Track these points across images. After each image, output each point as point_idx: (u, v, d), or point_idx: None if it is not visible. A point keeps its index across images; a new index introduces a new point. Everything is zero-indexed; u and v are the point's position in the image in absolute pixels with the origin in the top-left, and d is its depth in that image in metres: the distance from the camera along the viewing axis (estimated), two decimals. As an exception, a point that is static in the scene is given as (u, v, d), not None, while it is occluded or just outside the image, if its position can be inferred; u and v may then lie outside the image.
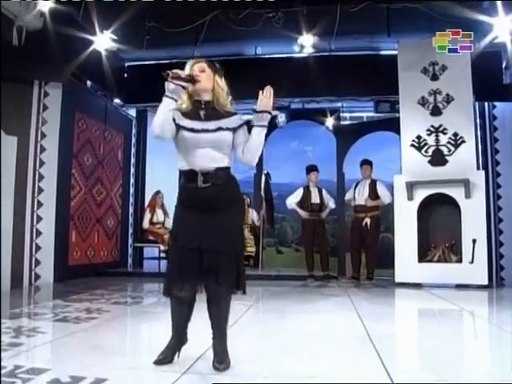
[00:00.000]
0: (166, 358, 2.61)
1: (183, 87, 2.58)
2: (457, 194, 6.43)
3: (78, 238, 7.03)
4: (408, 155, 6.83)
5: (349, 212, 8.43)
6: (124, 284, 6.61)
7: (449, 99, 6.65)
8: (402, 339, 3.76)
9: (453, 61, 6.58)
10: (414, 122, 6.82)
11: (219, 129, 2.58)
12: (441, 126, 6.69)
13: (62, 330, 3.49)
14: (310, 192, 7.44)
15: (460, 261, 6.41)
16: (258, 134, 2.62)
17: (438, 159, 6.66)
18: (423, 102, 6.78)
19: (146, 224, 7.83)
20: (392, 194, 6.96)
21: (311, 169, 7.61)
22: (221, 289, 2.55)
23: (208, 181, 2.53)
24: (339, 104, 9.49)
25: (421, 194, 6.63)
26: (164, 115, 2.54)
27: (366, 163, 7.29)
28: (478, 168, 6.80)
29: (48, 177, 6.37)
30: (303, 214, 7.36)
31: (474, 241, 6.29)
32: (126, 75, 8.16)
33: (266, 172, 8.37)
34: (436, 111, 6.71)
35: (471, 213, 6.34)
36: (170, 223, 8.02)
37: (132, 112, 8.82)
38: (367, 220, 6.94)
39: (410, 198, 6.64)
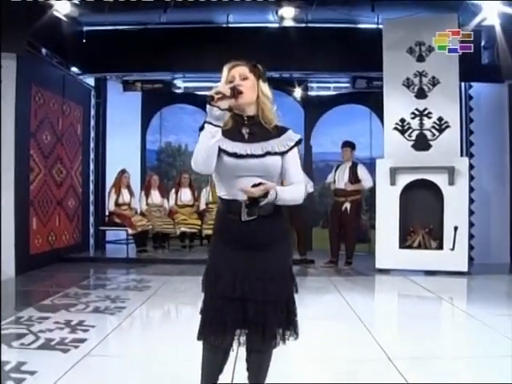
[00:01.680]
0: None
1: (230, 110, 2.09)
2: (440, 180, 6.34)
3: (39, 223, 6.44)
4: (391, 138, 6.63)
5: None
6: (94, 275, 6.18)
7: (434, 82, 6.45)
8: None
9: (440, 42, 6.34)
10: (398, 105, 6.59)
11: (267, 154, 2.12)
12: (425, 109, 6.50)
13: (54, 365, 3.08)
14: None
15: (441, 247, 6.40)
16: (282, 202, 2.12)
17: (421, 144, 6.51)
18: (408, 84, 6.54)
19: (111, 206, 7.31)
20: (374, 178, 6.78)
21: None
22: (267, 341, 2.22)
23: (253, 213, 2.10)
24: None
25: (404, 180, 6.49)
26: (209, 149, 2.03)
27: (347, 145, 7.02)
28: (462, 154, 6.70)
29: (4, 162, 5.68)
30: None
31: (456, 228, 6.27)
32: (84, 41, 7.37)
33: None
34: (421, 94, 6.50)
35: (454, 200, 6.29)
36: (136, 203, 7.67)
37: (90, 81, 8.07)
38: (347, 205, 6.75)
39: (393, 183, 6.49)
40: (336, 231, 6.89)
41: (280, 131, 2.18)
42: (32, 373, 2.92)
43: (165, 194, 7.94)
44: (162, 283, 5.76)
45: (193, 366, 2.37)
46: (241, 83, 2.11)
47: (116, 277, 6.13)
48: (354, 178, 6.77)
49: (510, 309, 4.59)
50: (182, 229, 7.68)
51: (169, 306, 4.99)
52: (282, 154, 2.16)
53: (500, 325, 4.02)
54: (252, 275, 2.12)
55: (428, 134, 6.48)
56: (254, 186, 2.04)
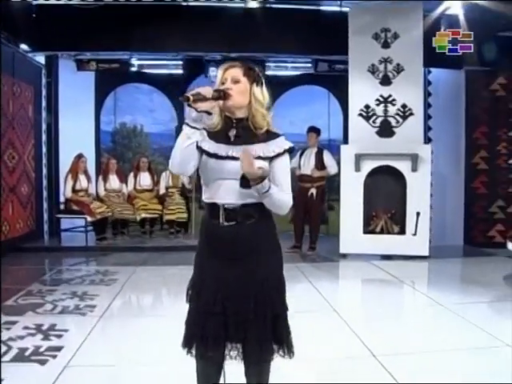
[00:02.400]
0: None
1: (209, 113, 2.00)
2: (403, 166, 6.46)
3: (-9, 214, 6.07)
4: (356, 124, 6.66)
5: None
6: (55, 268, 5.92)
7: (399, 69, 6.50)
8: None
9: (405, 29, 6.40)
10: (362, 91, 6.61)
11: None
12: (390, 96, 6.56)
13: (34, 382, 2.91)
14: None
15: (403, 232, 6.56)
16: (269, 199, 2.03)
17: (385, 130, 6.59)
18: (373, 70, 6.56)
19: (68, 192, 6.96)
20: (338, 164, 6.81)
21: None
22: (252, 356, 2.14)
23: (232, 218, 2.03)
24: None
25: (368, 166, 6.56)
26: (184, 150, 1.97)
27: (312, 130, 6.99)
28: (425, 141, 6.83)
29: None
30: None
31: (418, 213, 6.44)
32: (34, 16, 6.86)
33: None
34: (386, 80, 6.54)
35: (416, 186, 6.43)
36: (93, 189, 7.36)
37: (40, 59, 7.57)
38: (313, 191, 6.76)
39: (358, 169, 6.55)
40: (301, 216, 6.91)
41: (268, 136, 2.09)
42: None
43: (123, 178, 7.66)
44: (128, 275, 5.58)
45: (183, 369, 2.30)
46: (231, 86, 2.03)
47: (79, 269, 5.90)
48: (319, 164, 6.77)
49: (474, 295, 4.77)
50: (143, 215, 7.46)
51: (141, 302, 4.87)
52: (268, 160, 2.06)
53: (470, 313, 4.20)
54: (234, 288, 2.05)
55: (392, 121, 6.56)
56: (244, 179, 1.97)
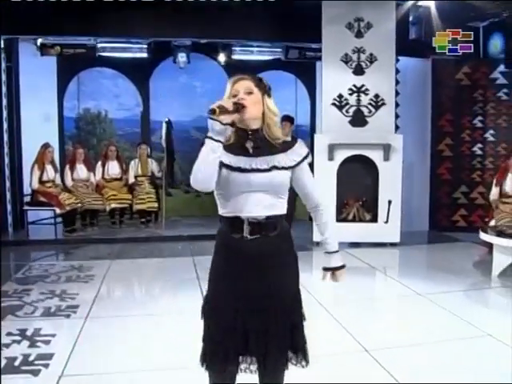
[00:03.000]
0: None
1: (232, 125, 1.96)
2: (376, 156, 6.57)
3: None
4: (329, 113, 6.69)
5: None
6: (25, 264, 5.71)
7: (372, 59, 6.55)
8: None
9: (378, 20, 6.44)
10: (336, 80, 6.63)
11: (273, 168, 2.02)
12: (363, 86, 6.62)
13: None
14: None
15: (375, 220, 6.71)
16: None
17: (358, 120, 6.66)
18: (346, 60, 6.59)
19: (35, 183, 6.70)
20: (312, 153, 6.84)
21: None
22: (269, 368, 2.18)
23: (256, 232, 2.02)
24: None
25: (341, 155, 6.63)
26: (210, 165, 1.91)
27: (287, 119, 6.94)
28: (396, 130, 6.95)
29: None
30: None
31: (390, 202, 6.60)
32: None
33: (167, 120, 7.65)
34: (359, 70, 6.59)
35: (388, 175, 6.57)
36: (58, 179, 7.12)
37: (-1, 43, 7.18)
38: (288, 179, 6.78)
39: (331, 158, 6.62)
40: None
41: (286, 146, 2.08)
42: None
43: (91, 167, 7.44)
44: (104, 270, 5.47)
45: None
46: (245, 97, 2.00)
47: (52, 264, 5.73)
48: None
49: (449, 284, 4.95)
50: (113, 205, 7.30)
51: (124, 300, 4.72)
52: (291, 169, 2.06)
53: (448, 303, 4.38)
54: (256, 302, 2.04)
55: (365, 111, 6.64)
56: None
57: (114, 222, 7.54)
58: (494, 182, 6.16)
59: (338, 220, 6.73)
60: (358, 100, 6.61)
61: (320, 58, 7.64)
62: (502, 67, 7.61)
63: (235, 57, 9.02)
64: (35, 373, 3.07)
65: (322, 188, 6.04)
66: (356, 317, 4.23)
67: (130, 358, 3.32)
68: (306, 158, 2.12)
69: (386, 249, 6.54)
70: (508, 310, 4.32)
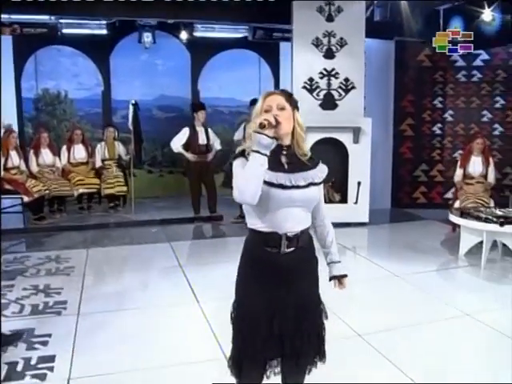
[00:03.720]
0: None
1: (276, 138, 2.02)
2: (346, 138, 6.73)
3: None
4: (300, 97, 6.58)
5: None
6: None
7: (342, 43, 6.63)
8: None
9: (349, 4, 6.49)
10: (306, 64, 6.68)
11: (310, 184, 2.10)
12: (333, 69, 6.71)
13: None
14: (197, 132, 6.91)
15: (345, 201, 6.92)
16: None
17: (328, 103, 6.78)
18: (317, 43, 6.64)
19: (-1, 171, 6.44)
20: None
21: (199, 107, 6.99)
22: (300, 371, 2.33)
23: (292, 245, 2.10)
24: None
25: (313, 138, 6.69)
26: (258, 179, 1.94)
27: (256, 102, 6.96)
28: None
29: None
30: (190, 156, 6.88)
31: (359, 183, 6.81)
32: None
33: (133, 102, 7.48)
34: (329, 54, 6.66)
35: (357, 157, 6.76)
36: (23, 165, 6.86)
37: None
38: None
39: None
40: None
41: (314, 163, 2.18)
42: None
43: (56, 152, 7.22)
44: (82, 261, 5.40)
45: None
46: (278, 113, 2.04)
47: (27, 256, 5.53)
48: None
49: (422, 264, 5.22)
50: (81, 190, 7.15)
51: (112, 293, 4.57)
52: (320, 184, 2.18)
53: (425, 283, 4.68)
54: (288, 311, 2.14)
55: (335, 94, 6.75)
56: None
57: (81, 208, 7.40)
58: (458, 164, 6.47)
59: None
60: (329, 84, 6.71)
61: (287, 39, 7.72)
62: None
63: (197, 34, 8.88)
64: (41, 377, 3.07)
65: None
66: (340, 301, 4.38)
67: (134, 355, 3.36)
68: (327, 176, 2.23)
69: (355, 228, 6.77)
70: (480, 290, 4.68)
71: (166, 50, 9.20)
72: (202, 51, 9.24)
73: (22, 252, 5.75)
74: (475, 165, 6.25)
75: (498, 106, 7.81)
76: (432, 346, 3.47)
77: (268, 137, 1.93)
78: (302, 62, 6.66)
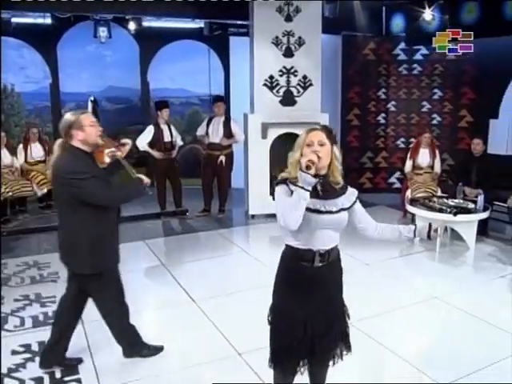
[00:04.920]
0: None
1: (316, 176, 2.34)
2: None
3: None
4: (260, 94, 7.05)
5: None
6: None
7: (300, 42, 6.95)
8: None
9: (306, 4, 6.79)
10: (267, 62, 6.96)
11: (340, 210, 2.47)
12: (292, 67, 7.03)
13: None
14: (162, 130, 6.99)
15: (305, 192, 7.33)
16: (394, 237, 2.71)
17: (288, 100, 7.11)
18: (277, 42, 6.92)
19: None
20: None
21: (163, 105, 7.06)
22: (327, 363, 2.73)
23: (324, 260, 2.48)
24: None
25: (273, 133, 7.07)
26: (302, 210, 2.30)
27: (220, 100, 7.19)
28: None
29: None
30: (157, 154, 6.97)
31: (318, 175, 7.24)
32: None
33: (92, 98, 7.43)
34: (288, 53, 6.97)
35: (316, 150, 7.16)
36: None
37: None
38: (222, 158, 7.09)
39: (264, 136, 7.04)
40: (210, 182, 7.27)
41: (344, 188, 2.55)
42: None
43: (13, 151, 7.04)
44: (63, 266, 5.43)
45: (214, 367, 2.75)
46: (319, 149, 2.38)
47: (3, 264, 5.42)
48: (228, 132, 7.07)
49: (385, 251, 5.63)
50: (45, 190, 7.03)
51: None
52: (349, 208, 2.54)
53: (393, 270, 5.24)
54: (319, 316, 2.53)
55: (294, 91, 7.10)
56: None
57: (43, 207, 7.29)
58: (408, 155, 7.08)
59: (272, 194, 7.26)
60: (288, 81, 7.04)
61: (242, 34, 7.93)
62: (402, 44, 8.48)
63: (146, 24, 8.86)
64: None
65: (255, 164, 6.59)
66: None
67: (152, 360, 3.58)
68: (358, 197, 2.60)
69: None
70: (440, 273, 5.31)
71: (115, 41, 9.08)
72: (151, 42, 9.24)
73: None
74: (423, 156, 6.89)
75: (436, 97, 8.51)
76: (413, 328, 4.02)
77: (312, 176, 2.28)
78: (263, 60, 6.92)
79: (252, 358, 3.54)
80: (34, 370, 3.46)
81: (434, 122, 8.57)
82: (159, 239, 6.45)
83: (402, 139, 8.81)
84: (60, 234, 3.31)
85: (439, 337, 3.95)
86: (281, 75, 7.02)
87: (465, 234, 5.76)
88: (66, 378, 3.37)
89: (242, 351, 3.67)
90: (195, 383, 3.36)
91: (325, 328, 2.54)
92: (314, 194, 2.39)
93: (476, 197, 5.90)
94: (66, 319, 3.48)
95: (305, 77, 7.06)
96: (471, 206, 5.71)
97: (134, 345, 3.58)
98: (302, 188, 2.28)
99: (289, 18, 6.86)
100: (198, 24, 8.75)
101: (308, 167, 2.27)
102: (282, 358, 2.56)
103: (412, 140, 8.61)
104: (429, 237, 2.71)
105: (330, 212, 2.43)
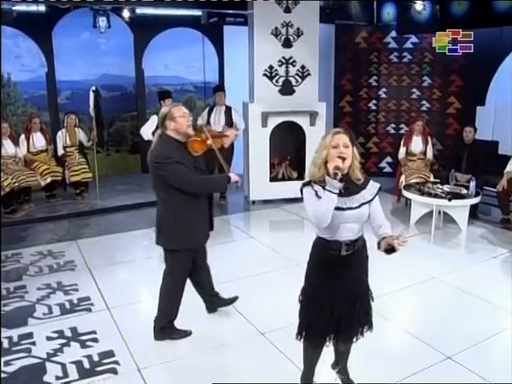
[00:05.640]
0: None
1: (342, 180, 2.63)
2: (303, 121, 7.37)
3: None
4: (260, 83, 7.25)
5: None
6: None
7: (299, 33, 7.15)
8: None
9: (304, -4, 6.99)
10: (266, 52, 7.14)
11: (361, 205, 2.75)
12: (291, 58, 7.24)
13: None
14: (166, 119, 7.14)
15: (302, 178, 7.60)
16: None
17: (287, 89, 7.34)
18: (276, 33, 7.10)
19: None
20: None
21: (166, 95, 7.21)
22: (350, 340, 3.05)
23: (350, 249, 2.79)
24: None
25: (273, 122, 7.30)
26: (330, 211, 2.61)
27: (221, 90, 7.38)
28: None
29: None
30: (161, 143, 7.14)
31: (316, 161, 7.52)
32: None
33: (94, 88, 7.52)
34: (287, 43, 7.17)
35: (314, 138, 7.38)
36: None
37: None
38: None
39: (264, 125, 7.26)
40: (212, 170, 7.47)
41: (365, 183, 2.82)
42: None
43: (16, 142, 7.13)
44: (77, 253, 5.63)
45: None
46: (344, 151, 2.67)
47: (18, 254, 5.61)
48: (230, 121, 7.28)
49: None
50: (49, 179, 7.16)
51: (126, 283, 4.99)
52: (371, 201, 2.82)
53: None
54: (346, 299, 2.87)
55: (292, 81, 7.32)
56: None
57: (48, 196, 7.42)
58: (402, 143, 7.39)
59: (272, 180, 7.54)
60: (287, 71, 7.25)
61: (237, 24, 8.10)
62: (393, 33, 8.73)
63: (139, 12, 8.90)
64: (113, 371, 3.49)
65: (256, 152, 6.85)
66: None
67: (180, 343, 3.84)
68: (379, 190, 2.86)
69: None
70: (436, 254, 5.70)
71: (109, 28, 9.10)
72: (145, 30, 9.29)
73: (10, 249, 5.73)
74: (416, 144, 7.22)
75: (425, 84, 8.81)
76: (416, 306, 4.39)
77: (339, 181, 2.59)
78: (263, 50, 7.12)
79: (274, 337, 3.85)
80: (71, 354, 3.70)
81: (424, 108, 8.89)
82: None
83: (393, 125, 9.13)
84: (156, 214, 3.69)
85: (440, 313, 4.31)
86: (280, 65, 7.23)
87: (458, 218, 6.13)
88: (105, 361, 3.61)
89: (264, 331, 3.96)
90: (224, 362, 3.65)
91: (350, 309, 2.87)
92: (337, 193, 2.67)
93: (468, 182, 6.25)
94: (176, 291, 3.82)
95: (303, 67, 7.28)
96: (464, 191, 6.07)
97: (165, 328, 3.84)
98: (330, 191, 2.59)
99: (288, 10, 7.04)
100: (192, 12, 8.83)
101: (335, 174, 2.57)
102: (311, 335, 2.92)
103: (402, 126, 8.99)
104: None
105: (351, 208, 2.72)
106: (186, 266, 3.79)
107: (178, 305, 3.85)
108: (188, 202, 3.52)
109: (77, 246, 5.89)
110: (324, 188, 2.63)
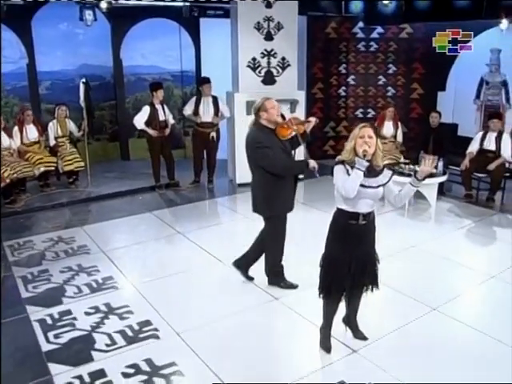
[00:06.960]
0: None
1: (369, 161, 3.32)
2: (284, 108, 7.84)
3: None
4: (244, 74, 7.75)
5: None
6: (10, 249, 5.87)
7: (279, 27, 7.68)
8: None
9: (284, -9, 7.50)
10: (250, 45, 7.64)
11: (379, 186, 3.43)
12: (272, 50, 7.77)
13: None
14: (157, 110, 7.55)
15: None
16: (408, 193, 3.51)
17: (268, 79, 7.88)
18: (259, 27, 7.59)
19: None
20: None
21: (157, 86, 7.59)
22: (360, 295, 3.75)
23: (365, 220, 3.46)
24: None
25: (256, 110, 7.81)
26: (358, 185, 3.28)
27: (208, 81, 7.79)
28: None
29: None
30: (152, 132, 7.54)
31: (296, 146, 8.12)
32: None
33: (84, 80, 7.79)
34: (269, 37, 7.69)
35: (294, 124, 8.02)
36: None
37: None
38: (213, 134, 7.79)
39: (249, 113, 7.74)
40: (201, 156, 7.98)
41: (382, 169, 3.50)
42: None
43: (10, 134, 7.35)
44: (88, 238, 5.99)
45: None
46: (369, 141, 3.33)
47: (29, 241, 5.91)
48: (217, 110, 7.76)
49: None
50: (42, 169, 7.42)
51: (143, 262, 5.41)
52: (385, 184, 3.50)
53: (386, 225, 6.20)
54: (360, 260, 3.55)
55: (274, 71, 7.86)
56: None
57: (42, 186, 7.68)
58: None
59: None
60: (269, 62, 7.79)
61: (219, 16, 8.52)
62: (361, 23, 9.37)
63: (115, 2, 9.13)
64: (155, 336, 3.99)
65: (242, 139, 7.29)
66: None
67: (205, 309, 4.36)
68: (392, 176, 3.52)
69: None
70: (411, 227, 6.45)
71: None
72: (122, 20, 9.55)
73: (19, 238, 6.03)
74: (387, 128, 7.93)
75: (390, 71, 9.54)
76: (402, 268, 5.13)
77: (366, 161, 3.25)
78: (246, 43, 7.61)
79: (288, 301, 4.46)
80: (112, 325, 4.15)
81: (389, 94, 9.63)
82: (164, 210, 7.10)
83: (361, 110, 9.84)
84: (251, 188, 4.55)
85: (423, 274, 5.05)
86: (262, 57, 7.75)
87: (427, 195, 6.89)
88: (144, 329, 4.09)
89: (277, 296, 4.56)
90: (246, 323, 4.19)
91: (362, 268, 3.56)
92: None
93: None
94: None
95: (283, 58, 7.83)
96: (433, 170, 6.82)
97: (277, 277, 4.61)
98: (358, 169, 3.26)
99: (269, 5, 7.55)
100: (172, 3, 9.14)
101: (364, 155, 3.23)
102: (331, 290, 3.59)
103: (370, 111, 9.71)
104: None
105: (371, 187, 3.40)
106: (281, 226, 4.49)
107: (281, 255, 4.59)
108: (276, 179, 4.21)
109: (84, 231, 6.25)
110: (353, 167, 3.29)
